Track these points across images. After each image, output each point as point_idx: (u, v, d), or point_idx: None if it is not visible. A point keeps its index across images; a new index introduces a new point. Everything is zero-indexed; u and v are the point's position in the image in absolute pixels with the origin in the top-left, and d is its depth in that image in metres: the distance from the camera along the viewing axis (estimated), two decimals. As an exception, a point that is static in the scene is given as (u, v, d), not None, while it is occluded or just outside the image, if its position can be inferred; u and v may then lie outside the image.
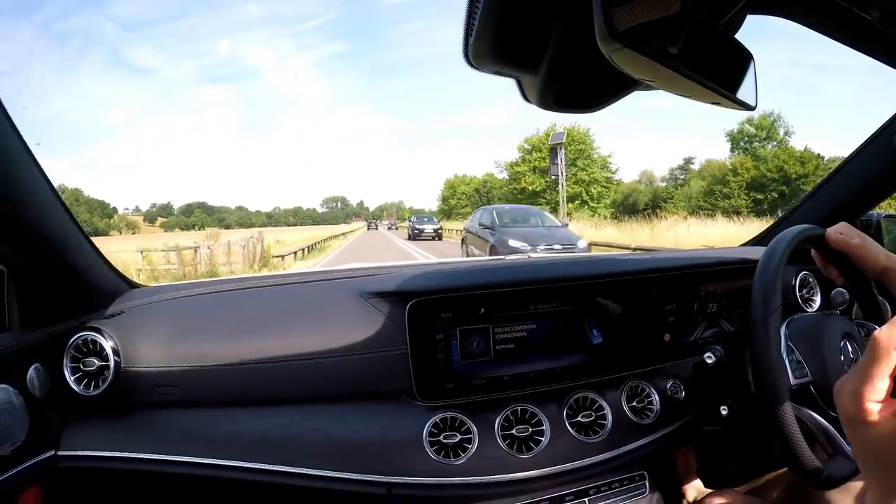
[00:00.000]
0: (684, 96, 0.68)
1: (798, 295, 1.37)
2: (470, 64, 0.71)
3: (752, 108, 0.73)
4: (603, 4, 0.50)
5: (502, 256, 1.67)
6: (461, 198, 79.22)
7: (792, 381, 0.95)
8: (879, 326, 1.03)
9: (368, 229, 80.00)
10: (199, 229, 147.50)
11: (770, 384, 0.88)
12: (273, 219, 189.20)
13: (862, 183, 1.48)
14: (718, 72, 0.65)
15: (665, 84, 0.65)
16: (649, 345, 1.30)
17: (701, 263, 1.41)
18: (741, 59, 0.73)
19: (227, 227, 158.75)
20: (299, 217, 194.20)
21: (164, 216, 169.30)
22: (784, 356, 0.96)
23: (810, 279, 1.39)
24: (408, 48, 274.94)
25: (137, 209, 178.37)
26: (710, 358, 1.15)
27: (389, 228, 74.33)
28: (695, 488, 1.48)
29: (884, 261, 1.00)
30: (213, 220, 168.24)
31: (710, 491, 1.43)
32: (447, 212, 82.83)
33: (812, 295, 1.41)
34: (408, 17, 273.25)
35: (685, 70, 0.59)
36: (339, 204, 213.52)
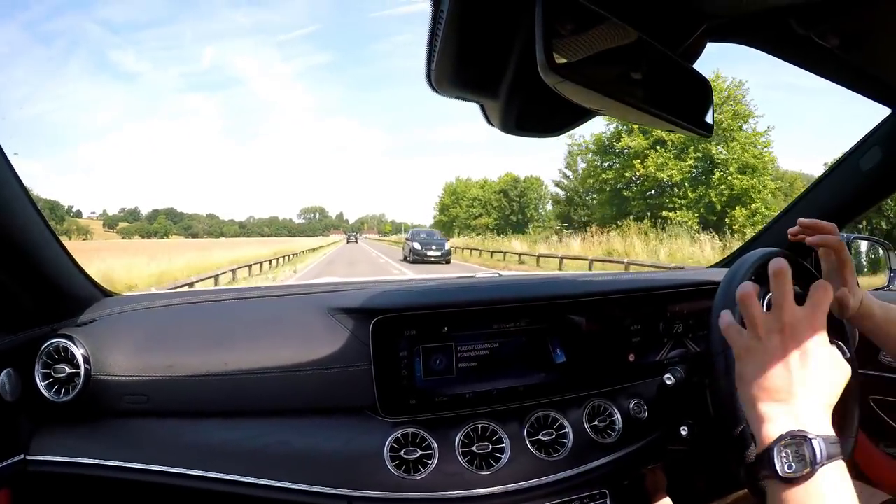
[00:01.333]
0: (638, 124, 0.71)
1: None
2: (432, 88, 0.74)
3: (708, 135, 0.77)
4: (544, 38, 0.52)
5: (472, 274, 1.68)
6: (472, 205, 65.51)
7: None
8: (844, 345, 1.07)
9: (348, 242, 77.67)
10: (162, 237, 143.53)
11: (727, 414, 0.91)
12: (246, 228, 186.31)
13: (831, 205, 1.55)
14: (672, 100, 0.70)
15: (617, 113, 0.70)
16: (613, 364, 1.34)
17: (665, 285, 1.47)
18: (697, 87, 0.78)
19: (195, 235, 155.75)
20: (274, 227, 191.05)
21: (129, 221, 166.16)
22: None
23: None
24: (394, 61, 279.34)
25: (105, 213, 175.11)
26: (669, 379, 1.17)
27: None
28: None
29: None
30: (179, 228, 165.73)
31: None
32: (447, 224, 67.79)
33: None
34: (395, 31, 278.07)
35: (633, 101, 0.62)
36: (318, 215, 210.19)
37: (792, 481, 0.62)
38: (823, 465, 0.62)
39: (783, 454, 0.63)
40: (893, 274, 1.78)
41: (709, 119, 0.78)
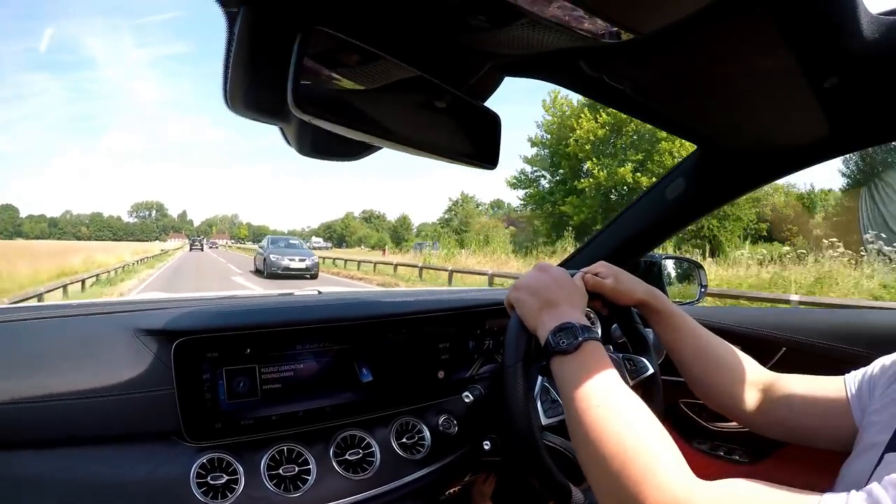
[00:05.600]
0: (421, 155, 0.77)
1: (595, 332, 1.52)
2: (229, 108, 0.77)
3: (491, 167, 0.85)
4: (294, 75, 0.56)
5: (290, 292, 1.72)
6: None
7: (544, 421, 1.08)
8: (645, 358, 1.20)
9: (191, 250, 70.48)
10: None
11: (519, 427, 1.01)
12: (59, 227, 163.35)
13: (642, 228, 1.77)
14: (451, 135, 0.77)
15: (390, 147, 0.75)
16: (422, 382, 1.45)
17: (472, 304, 1.60)
18: (482, 121, 0.86)
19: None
20: (96, 227, 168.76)
21: None
22: (537, 398, 1.10)
23: (591, 315, 1.55)
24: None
25: None
26: (467, 397, 1.27)
27: None
28: None
29: (640, 294, 1.20)
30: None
31: None
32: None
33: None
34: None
35: (399, 137, 0.68)
36: (154, 212, 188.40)
37: (569, 352, 0.88)
38: (587, 339, 0.89)
39: (559, 336, 0.90)
40: (703, 289, 2.01)
41: (492, 154, 0.85)
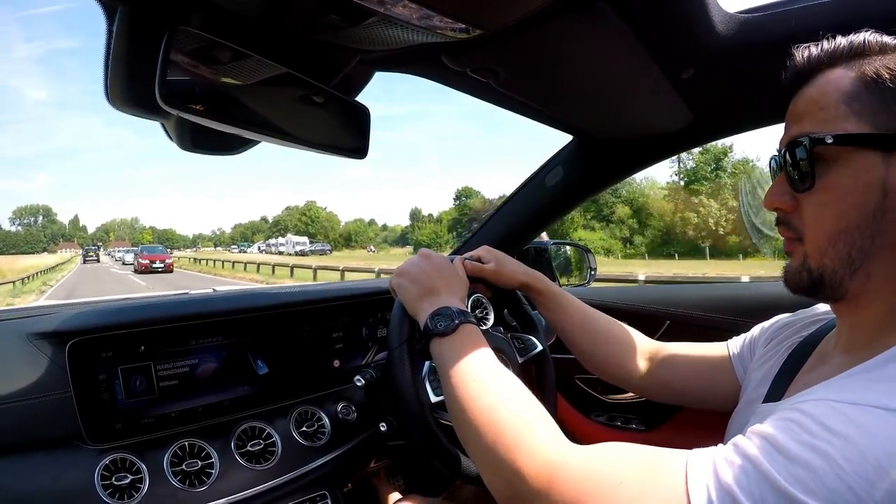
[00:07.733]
0: (292, 147, 0.86)
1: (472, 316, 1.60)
2: (110, 103, 0.82)
3: (360, 157, 0.94)
4: (160, 71, 0.64)
5: (186, 291, 1.75)
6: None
7: (433, 398, 1.13)
8: (533, 336, 1.30)
9: (85, 262, 63.95)
10: None
11: (408, 402, 1.08)
12: None
13: (525, 215, 1.92)
14: (320, 127, 0.85)
15: (260, 139, 0.83)
16: (318, 371, 1.53)
17: (353, 294, 1.68)
18: (351, 114, 0.94)
19: None
20: None
21: None
22: (425, 376, 1.14)
23: (483, 300, 1.62)
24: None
25: None
26: (359, 381, 1.32)
27: None
28: (394, 498, 1.66)
29: (522, 277, 1.31)
30: None
31: (399, 497, 1.63)
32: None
33: (486, 314, 1.55)
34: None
35: (269, 130, 0.76)
36: (41, 218, 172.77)
37: (446, 334, 0.96)
38: (463, 322, 0.96)
39: (436, 320, 0.97)
40: (591, 272, 2.16)
41: (361, 144, 0.94)
